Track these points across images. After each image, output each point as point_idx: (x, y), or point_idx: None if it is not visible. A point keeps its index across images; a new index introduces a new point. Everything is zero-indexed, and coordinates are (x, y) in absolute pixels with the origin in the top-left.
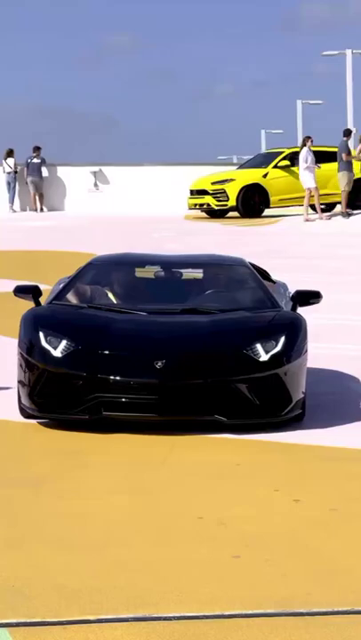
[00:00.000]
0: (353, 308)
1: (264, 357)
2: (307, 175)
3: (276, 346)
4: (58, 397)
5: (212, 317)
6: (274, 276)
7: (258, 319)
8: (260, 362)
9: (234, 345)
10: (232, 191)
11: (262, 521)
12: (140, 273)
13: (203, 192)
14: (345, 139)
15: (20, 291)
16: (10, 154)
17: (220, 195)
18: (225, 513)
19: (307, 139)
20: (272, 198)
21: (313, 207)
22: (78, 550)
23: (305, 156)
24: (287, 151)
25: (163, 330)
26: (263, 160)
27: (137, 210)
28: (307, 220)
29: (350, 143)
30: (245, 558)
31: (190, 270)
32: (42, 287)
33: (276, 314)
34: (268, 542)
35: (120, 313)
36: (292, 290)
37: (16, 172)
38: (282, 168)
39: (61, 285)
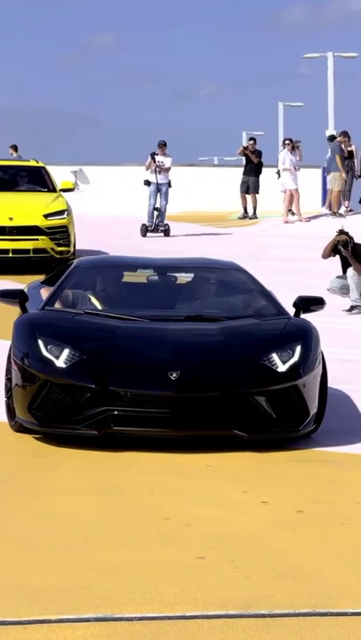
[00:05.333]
0: (333, 311)
1: (282, 368)
2: (287, 177)
3: (292, 356)
4: (62, 411)
5: (222, 325)
6: None
7: (269, 327)
8: (278, 373)
9: (250, 355)
10: (72, 229)
11: (229, 522)
12: (132, 277)
13: (32, 230)
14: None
15: (5, 295)
16: None
17: (62, 234)
18: (192, 514)
19: (289, 141)
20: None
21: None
22: (42, 549)
23: (283, 157)
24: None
25: (174, 338)
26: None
27: (117, 210)
28: (286, 222)
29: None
30: (210, 559)
31: (184, 275)
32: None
33: (287, 322)
34: (233, 544)
35: (120, 320)
36: (284, 297)
37: None
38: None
39: (42, 290)
